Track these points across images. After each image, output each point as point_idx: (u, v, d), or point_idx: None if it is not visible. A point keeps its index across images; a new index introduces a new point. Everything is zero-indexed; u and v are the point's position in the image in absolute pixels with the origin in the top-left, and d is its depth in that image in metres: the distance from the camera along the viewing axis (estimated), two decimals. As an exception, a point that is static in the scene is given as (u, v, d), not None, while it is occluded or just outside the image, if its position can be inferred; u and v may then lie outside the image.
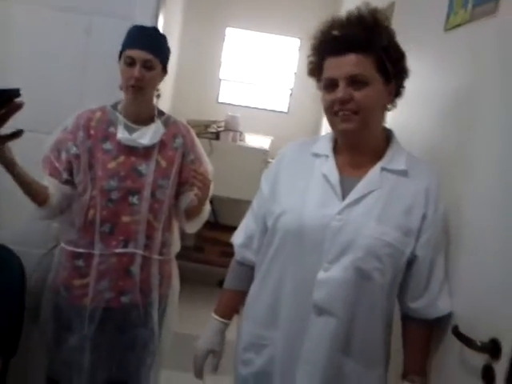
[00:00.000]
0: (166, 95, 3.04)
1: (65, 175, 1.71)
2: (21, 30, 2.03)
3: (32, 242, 2.03)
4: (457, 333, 1.10)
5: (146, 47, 1.66)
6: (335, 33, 1.21)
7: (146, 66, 1.66)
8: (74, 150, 1.70)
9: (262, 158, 3.70)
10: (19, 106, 0.86)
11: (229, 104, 4.57)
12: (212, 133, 3.91)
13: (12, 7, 2.01)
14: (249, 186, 1.42)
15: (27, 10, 2.02)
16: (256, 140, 4.08)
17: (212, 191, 1.80)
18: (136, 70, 1.64)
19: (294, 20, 4.31)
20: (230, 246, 1.47)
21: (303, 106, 4.44)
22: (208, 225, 4.11)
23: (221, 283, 1.52)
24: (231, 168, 3.53)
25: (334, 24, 1.22)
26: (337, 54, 1.19)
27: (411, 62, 1.26)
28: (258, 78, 4.69)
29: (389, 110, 1.28)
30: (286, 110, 4.67)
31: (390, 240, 1.18)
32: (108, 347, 1.75)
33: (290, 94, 4.66)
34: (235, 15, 4.45)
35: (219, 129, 3.98)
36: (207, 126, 3.94)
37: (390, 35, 1.21)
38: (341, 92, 1.18)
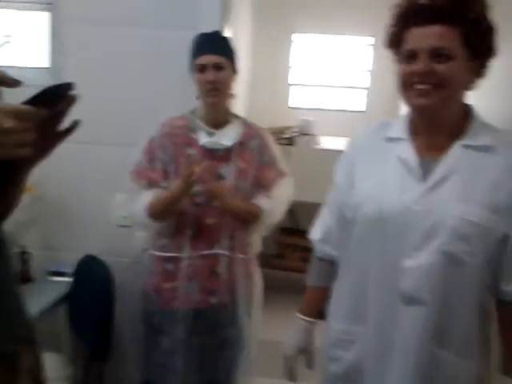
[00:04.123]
0: (239, 106, 3.08)
1: (163, 184, 1.76)
2: (97, 50, 2.16)
3: (119, 252, 2.12)
4: None
5: (213, 50, 1.71)
6: (422, 1, 1.11)
7: (217, 67, 1.70)
8: (164, 158, 1.76)
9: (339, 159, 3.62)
10: (73, 100, 0.83)
11: (301, 108, 4.54)
12: (286, 138, 3.90)
13: (87, 29, 2.16)
14: (328, 189, 1.40)
15: (102, 31, 2.15)
16: (332, 142, 4.01)
17: (285, 197, 1.86)
18: (209, 74, 1.69)
19: (365, 18, 4.20)
20: (312, 250, 1.43)
21: (380, 104, 4.31)
22: (288, 231, 4.15)
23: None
24: (308, 172, 3.48)
25: None
26: (421, 25, 1.10)
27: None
28: (330, 79, 4.63)
29: (469, 90, 1.19)
30: (363, 109, 4.56)
31: (476, 220, 1.09)
32: (199, 348, 1.78)
33: (367, 94, 4.55)
34: (303, 20, 4.43)
35: (293, 134, 3.96)
36: (281, 132, 3.94)
37: (482, 6, 1.11)
38: (421, 64, 1.10)
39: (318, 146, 3.97)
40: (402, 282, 1.14)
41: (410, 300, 1.13)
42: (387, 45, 1.22)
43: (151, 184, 1.76)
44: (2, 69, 0.80)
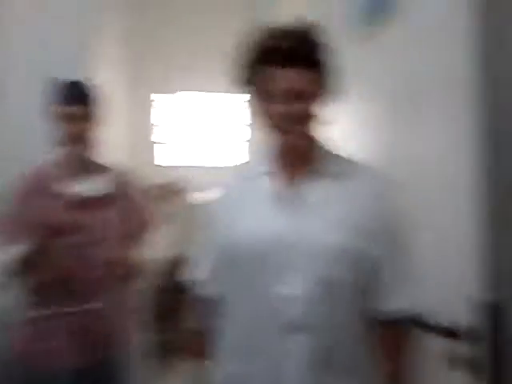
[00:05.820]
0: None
1: (23, 238, 1.64)
2: None
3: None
4: (417, 322, 1.10)
5: (76, 100, 1.73)
6: (278, 44, 1.16)
7: (80, 118, 1.72)
8: (26, 209, 1.69)
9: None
10: None
11: (173, 166, 4.53)
12: (159, 196, 3.89)
13: None
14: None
15: None
16: (208, 195, 4.06)
17: None
18: (74, 125, 1.70)
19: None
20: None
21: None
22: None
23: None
24: (187, 228, 3.48)
25: (274, 34, 1.18)
26: (281, 66, 1.15)
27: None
28: (206, 135, 4.70)
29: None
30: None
31: (348, 245, 1.15)
32: None
33: (249, 146, 4.61)
34: (160, 79, 4.43)
35: (166, 192, 3.98)
36: (152, 190, 3.93)
37: (326, 50, 1.21)
38: (282, 106, 1.16)
39: (193, 201, 4.02)
40: (282, 312, 1.15)
41: (292, 328, 1.14)
42: (241, 84, 1.26)
43: (12, 238, 1.66)
44: None
